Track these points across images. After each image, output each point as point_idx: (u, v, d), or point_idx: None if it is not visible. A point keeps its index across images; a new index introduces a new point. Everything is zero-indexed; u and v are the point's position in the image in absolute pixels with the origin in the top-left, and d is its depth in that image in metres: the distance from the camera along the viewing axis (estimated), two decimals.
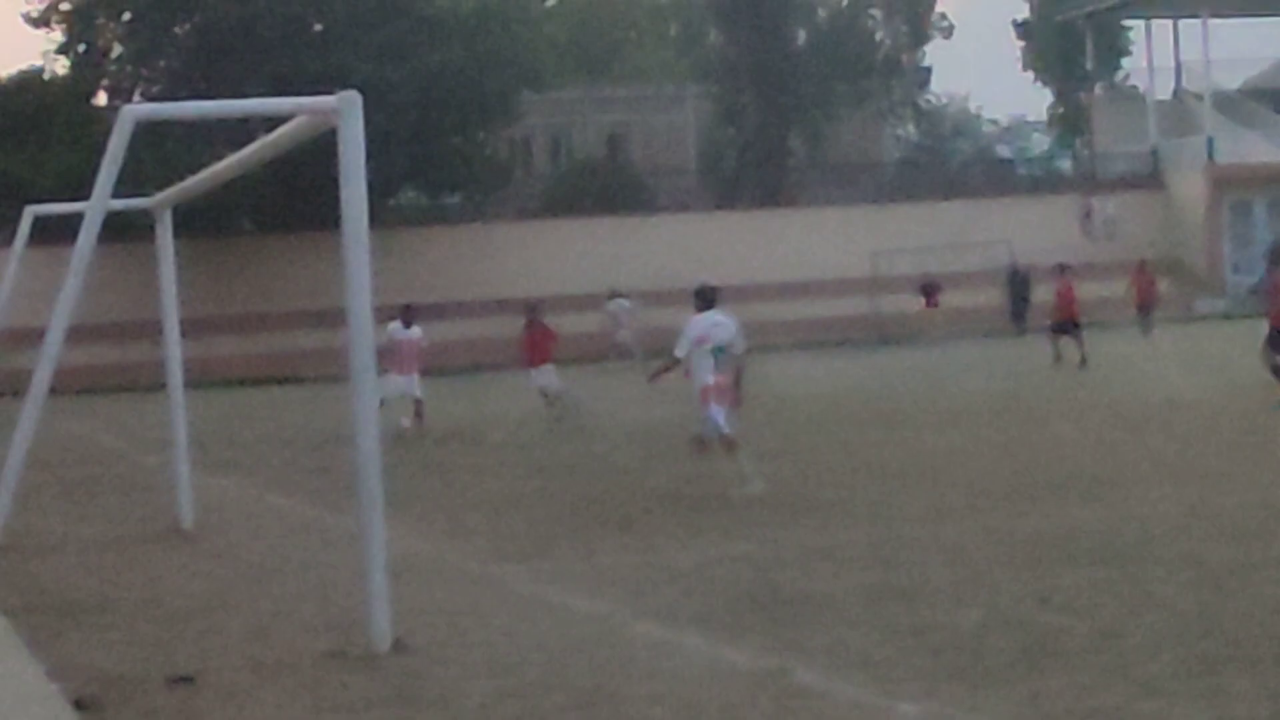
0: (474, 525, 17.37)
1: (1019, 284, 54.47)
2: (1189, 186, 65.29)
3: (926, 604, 11.93)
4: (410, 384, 27.86)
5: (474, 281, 56.97)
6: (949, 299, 54.41)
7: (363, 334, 11.32)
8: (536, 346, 29.58)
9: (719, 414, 18.42)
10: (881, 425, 26.10)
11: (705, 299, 18.90)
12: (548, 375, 29.10)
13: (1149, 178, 67.13)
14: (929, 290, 54.30)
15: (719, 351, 18.43)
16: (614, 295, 50.42)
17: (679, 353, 18.59)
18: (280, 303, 54.91)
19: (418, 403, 27.83)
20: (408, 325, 28.36)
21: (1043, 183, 72.85)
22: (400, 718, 9.51)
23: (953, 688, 9.46)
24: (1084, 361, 36.21)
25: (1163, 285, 52.16)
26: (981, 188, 70.51)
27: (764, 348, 50.85)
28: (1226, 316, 55.94)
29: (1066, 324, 37.89)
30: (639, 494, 19.27)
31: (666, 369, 19.08)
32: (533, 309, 30.44)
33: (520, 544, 15.97)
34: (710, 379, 18.45)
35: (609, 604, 12.64)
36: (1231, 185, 64.73)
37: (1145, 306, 46.71)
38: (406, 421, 27.37)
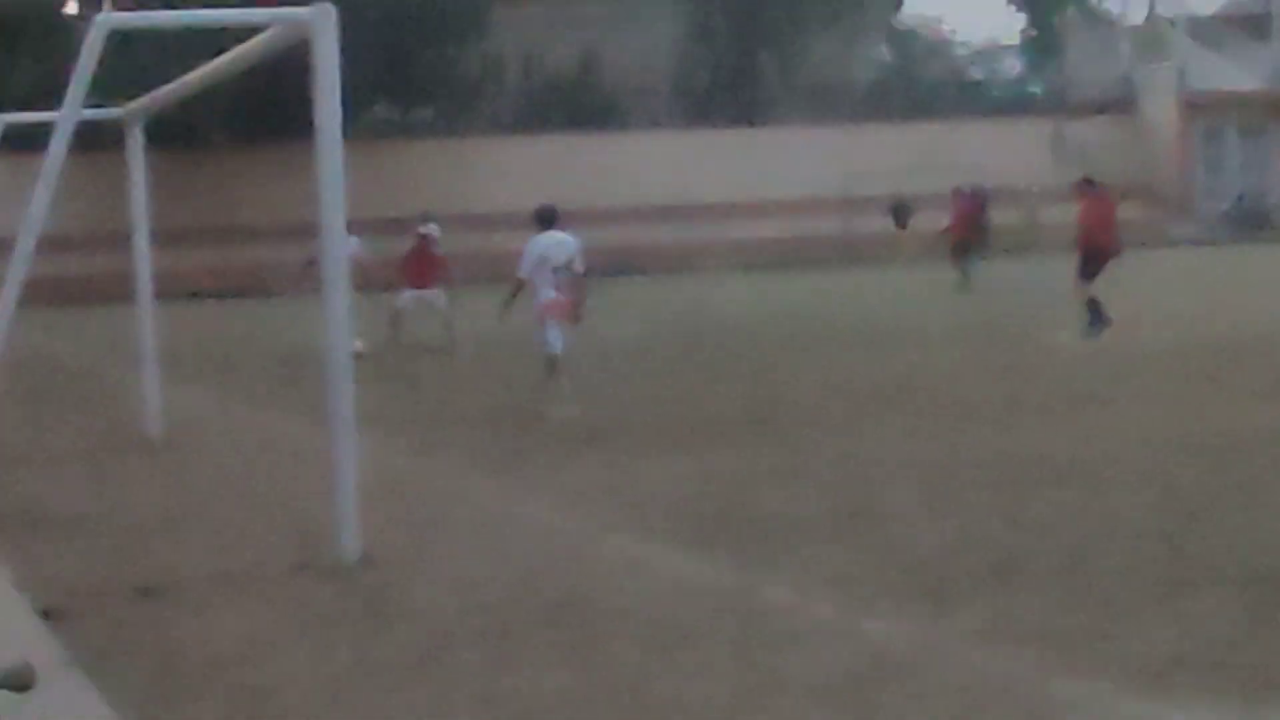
0: (445, 440, 17.37)
1: (978, 205, 54.24)
2: (1161, 112, 65.23)
3: (895, 523, 11.97)
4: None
5: (445, 196, 56.76)
6: (920, 221, 54.36)
7: (336, 247, 11.28)
8: (426, 268, 28.18)
9: (556, 331, 18.48)
10: (851, 346, 26.12)
11: (544, 219, 18.89)
12: (438, 298, 27.88)
13: (1121, 103, 67.04)
14: (900, 212, 54.20)
15: (560, 271, 18.37)
16: (425, 218, 44.89)
17: (521, 273, 18.56)
18: (251, 215, 54.67)
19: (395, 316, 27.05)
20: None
21: (1014, 106, 72.67)
22: (367, 630, 9.52)
23: (921, 606, 9.49)
24: (965, 282, 37.45)
25: (1133, 212, 52.06)
26: (953, 110, 70.34)
27: (736, 266, 51.14)
28: (1198, 242, 56.06)
29: (966, 244, 38.49)
30: (612, 408, 19.27)
31: (514, 294, 18.81)
32: (424, 226, 29.16)
33: (491, 459, 15.96)
34: (549, 297, 18.41)
35: (578, 519, 12.67)
36: (1204, 112, 64.68)
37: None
38: (360, 345, 26.00)
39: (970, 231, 39.25)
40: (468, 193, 56.49)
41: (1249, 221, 62.81)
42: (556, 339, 18.54)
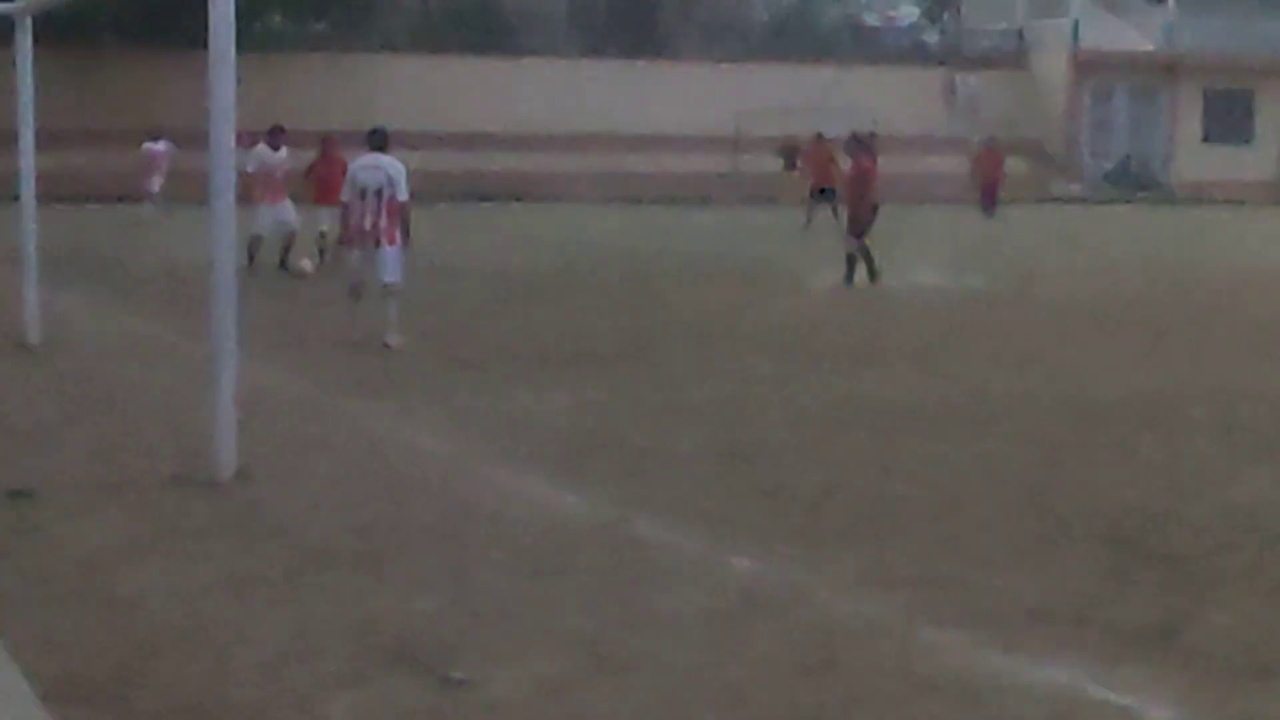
0: (328, 359, 17.31)
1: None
2: (1052, 68, 65.68)
3: (769, 464, 12.06)
4: (285, 213, 26.59)
5: (338, 112, 56.36)
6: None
7: (224, 158, 11.19)
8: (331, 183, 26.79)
9: (356, 258, 18.32)
10: (733, 284, 26.20)
11: (372, 142, 18.57)
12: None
13: (1014, 56, 67.45)
14: (790, 154, 54.30)
15: (370, 195, 18.06)
16: (153, 135, 42.78)
17: (343, 197, 18.41)
18: (141, 120, 53.99)
19: (300, 234, 26.52)
20: (275, 149, 26.96)
21: (909, 54, 72.92)
22: (239, 545, 9.51)
23: (792, 547, 9.58)
24: (808, 224, 39.00)
25: (1020, 166, 52.51)
26: (848, 55, 70.48)
27: (625, 199, 51.18)
28: (1082, 200, 56.56)
29: (825, 190, 38.95)
30: (492, 336, 19.28)
31: (345, 219, 18.46)
32: (328, 142, 28.30)
33: (373, 381, 15.94)
34: (357, 222, 18.18)
35: (456, 445, 12.69)
36: (1094, 70, 65.21)
37: (990, 186, 46.61)
38: (308, 264, 25.69)
39: (830, 179, 39.51)
40: (360, 110, 56.02)
41: (1133, 182, 63.44)
42: (352, 268, 18.35)
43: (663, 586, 8.72)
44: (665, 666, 7.46)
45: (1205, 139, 66.30)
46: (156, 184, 39.48)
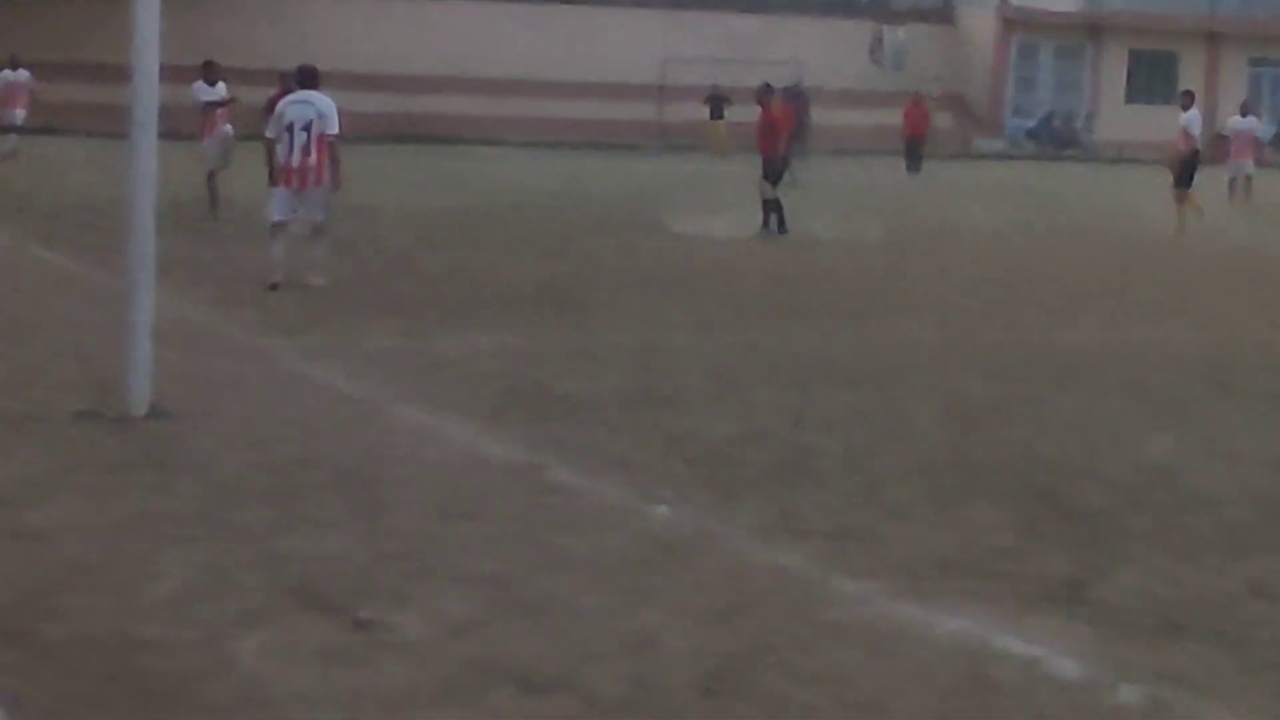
0: (244, 297, 17.21)
1: (799, 104, 54.42)
2: (979, 24, 65.76)
3: (686, 412, 12.07)
4: (214, 144, 26.03)
5: (262, 51, 55.89)
6: (735, 113, 54.47)
7: (147, 91, 11.08)
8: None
9: (281, 198, 18.09)
10: (654, 233, 26.15)
11: (301, 78, 18.43)
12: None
13: (941, 11, 67.48)
14: (715, 103, 54.22)
15: (299, 131, 17.80)
16: (13, 63, 40.12)
17: (269, 133, 18.15)
18: (63, 52, 53.47)
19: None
20: (212, 84, 26.60)
21: (837, 7, 72.84)
22: (151, 482, 9.45)
23: (706, 495, 9.60)
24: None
25: (944, 121, 52.58)
26: (777, 6, 70.38)
27: (549, 145, 51.06)
28: (1003, 157, 56.72)
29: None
30: (412, 278, 19.22)
31: (269, 156, 18.14)
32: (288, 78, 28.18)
33: (290, 319, 15.86)
34: (285, 160, 17.93)
35: (373, 386, 12.64)
36: (1021, 27, 65.33)
37: (915, 140, 46.22)
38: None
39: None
40: (278, 49, 55.55)
41: (1056, 140, 63.69)
42: (278, 206, 18.11)
43: (576, 531, 8.72)
44: (577, 610, 7.46)
45: (1129, 99, 66.57)
46: (19, 115, 38.75)
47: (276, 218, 18.11)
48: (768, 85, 27.66)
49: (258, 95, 26.50)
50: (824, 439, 11.30)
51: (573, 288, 18.98)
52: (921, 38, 64.59)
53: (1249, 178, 37.22)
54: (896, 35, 64.55)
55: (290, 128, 17.87)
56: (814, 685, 6.70)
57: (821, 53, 59.77)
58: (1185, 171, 30.09)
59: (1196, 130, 30.52)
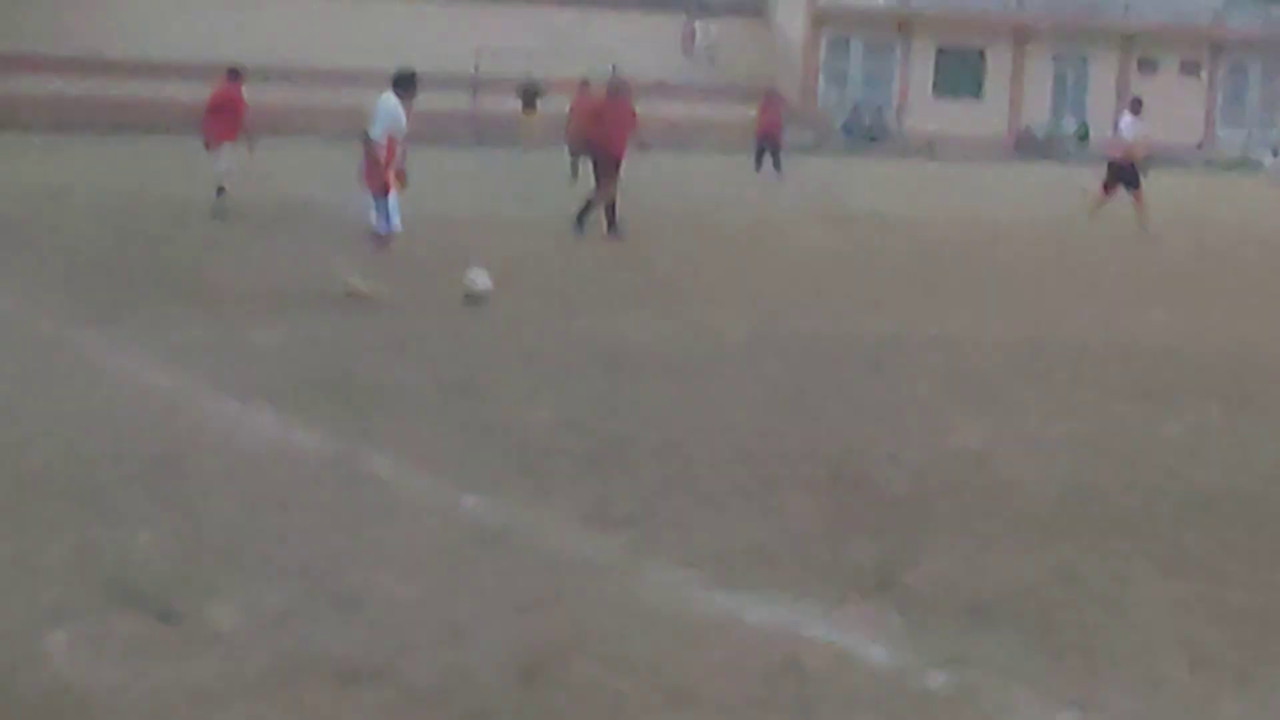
0: (51, 285, 16.97)
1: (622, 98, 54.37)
2: (791, 19, 66.29)
3: (499, 402, 12.06)
4: None
5: (58, 38, 55.14)
6: (548, 105, 54.43)
7: None
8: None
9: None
10: (461, 225, 26.06)
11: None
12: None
13: (753, 6, 67.97)
14: (528, 95, 54.13)
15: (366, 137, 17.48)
16: None
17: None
18: None
19: None
20: None
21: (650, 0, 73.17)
22: None
23: (520, 485, 9.59)
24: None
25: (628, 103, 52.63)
26: None
27: (355, 135, 50.68)
28: (815, 151, 57.15)
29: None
30: (227, 268, 19.03)
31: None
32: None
33: (97, 309, 15.66)
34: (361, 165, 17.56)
35: (182, 377, 12.51)
36: (832, 22, 65.95)
37: (768, 137, 45.64)
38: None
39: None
40: (81, 36, 54.89)
41: (866, 133, 64.35)
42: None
43: (389, 521, 8.70)
44: (389, 601, 7.44)
45: (936, 94, 67.45)
46: None
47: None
48: (584, 80, 27.31)
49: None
50: (638, 428, 11.33)
51: (388, 277, 18.83)
52: (734, 32, 65.08)
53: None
54: (709, 29, 64.93)
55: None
56: (628, 674, 6.72)
57: (634, 46, 59.98)
58: (1131, 174, 30.60)
59: (1134, 136, 30.96)
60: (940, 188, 43.03)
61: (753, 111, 44.90)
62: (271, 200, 28.35)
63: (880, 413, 12.38)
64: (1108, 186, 30.57)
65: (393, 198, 17.25)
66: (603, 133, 25.12)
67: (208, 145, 26.05)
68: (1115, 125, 32.14)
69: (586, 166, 36.41)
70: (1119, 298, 20.55)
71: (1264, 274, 24.41)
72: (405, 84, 17.73)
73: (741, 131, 48.21)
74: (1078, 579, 8.25)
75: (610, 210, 24.68)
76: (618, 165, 24.86)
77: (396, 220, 17.27)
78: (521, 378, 13.11)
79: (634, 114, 25.33)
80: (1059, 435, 11.81)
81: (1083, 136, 67.01)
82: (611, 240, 24.06)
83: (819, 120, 63.83)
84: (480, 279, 16.84)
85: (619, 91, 25.70)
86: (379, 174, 17.28)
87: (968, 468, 10.62)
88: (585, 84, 38.75)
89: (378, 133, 17.31)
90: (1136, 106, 32.09)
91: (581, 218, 24.69)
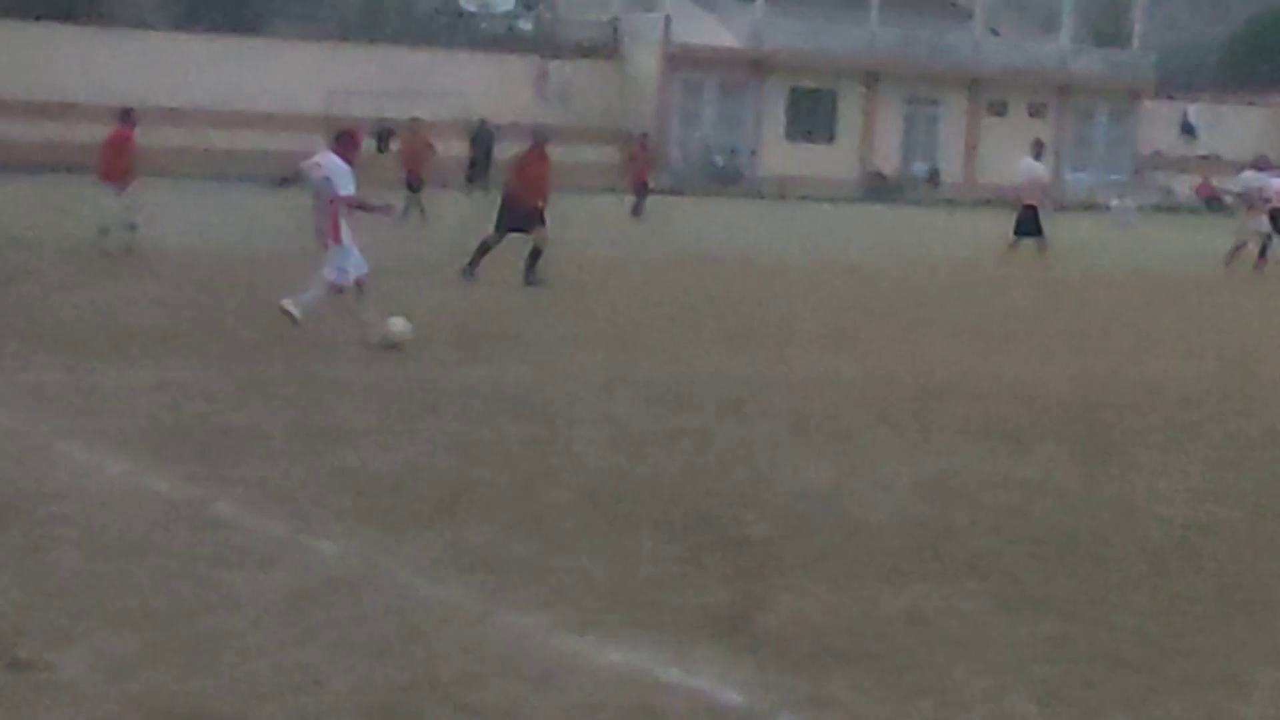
0: None
1: (484, 141, 54.30)
2: (644, 61, 66.59)
3: (353, 446, 12.00)
4: None
5: None
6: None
7: None
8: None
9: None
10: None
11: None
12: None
13: (607, 47, 68.20)
14: (382, 136, 53.94)
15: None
16: None
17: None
18: None
19: None
20: None
21: (503, 41, 73.27)
22: None
23: (372, 529, 9.56)
24: (423, 213, 36.91)
25: (613, 156, 52.86)
26: (443, 38, 70.58)
27: (216, 176, 50.36)
28: (670, 192, 57.40)
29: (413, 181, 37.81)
30: (74, 311, 18.83)
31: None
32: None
33: None
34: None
35: (30, 421, 12.37)
36: (685, 64, 66.32)
37: (639, 184, 45.39)
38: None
39: (420, 164, 38.47)
40: None
41: (719, 175, 64.71)
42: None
43: (241, 567, 8.64)
44: (242, 647, 7.39)
45: (789, 136, 67.98)
46: None
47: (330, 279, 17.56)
48: (542, 127, 27.02)
49: None
50: (490, 471, 11.33)
51: (239, 321, 18.73)
52: (587, 73, 65.23)
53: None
54: (563, 70, 65.08)
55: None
56: (480, 719, 6.72)
57: (488, 87, 60.10)
58: (1034, 219, 31.00)
59: (1036, 177, 31.36)
60: (793, 230, 43.34)
61: (607, 153, 45.08)
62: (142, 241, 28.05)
63: (733, 454, 12.44)
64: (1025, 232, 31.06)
65: (346, 249, 17.46)
66: (523, 182, 24.62)
67: (106, 183, 25.96)
68: (1020, 169, 32.39)
69: (422, 201, 36.58)
70: (971, 338, 20.80)
71: (1111, 315, 24.78)
72: (346, 141, 18.19)
73: (597, 172, 48.37)
74: (928, 620, 8.33)
75: (481, 252, 24.47)
76: (539, 214, 24.39)
77: (350, 270, 17.43)
78: (375, 421, 13.06)
79: (546, 164, 24.94)
80: (909, 476, 11.93)
81: (932, 179, 67.82)
82: (530, 286, 23.80)
83: (673, 162, 64.08)
84: (399, 325, 16.95)
85: (540, 140, 25.35)
86: (336, 229, 17.53)
87: (820, 509, 10.70)
88: (416, 121, 38.90)
89: (351, 189, 17.60)
90: (1038, 150, 32.49)
91: (530, 270, 24.24)
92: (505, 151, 54.54)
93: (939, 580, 9.07)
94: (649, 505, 10.52)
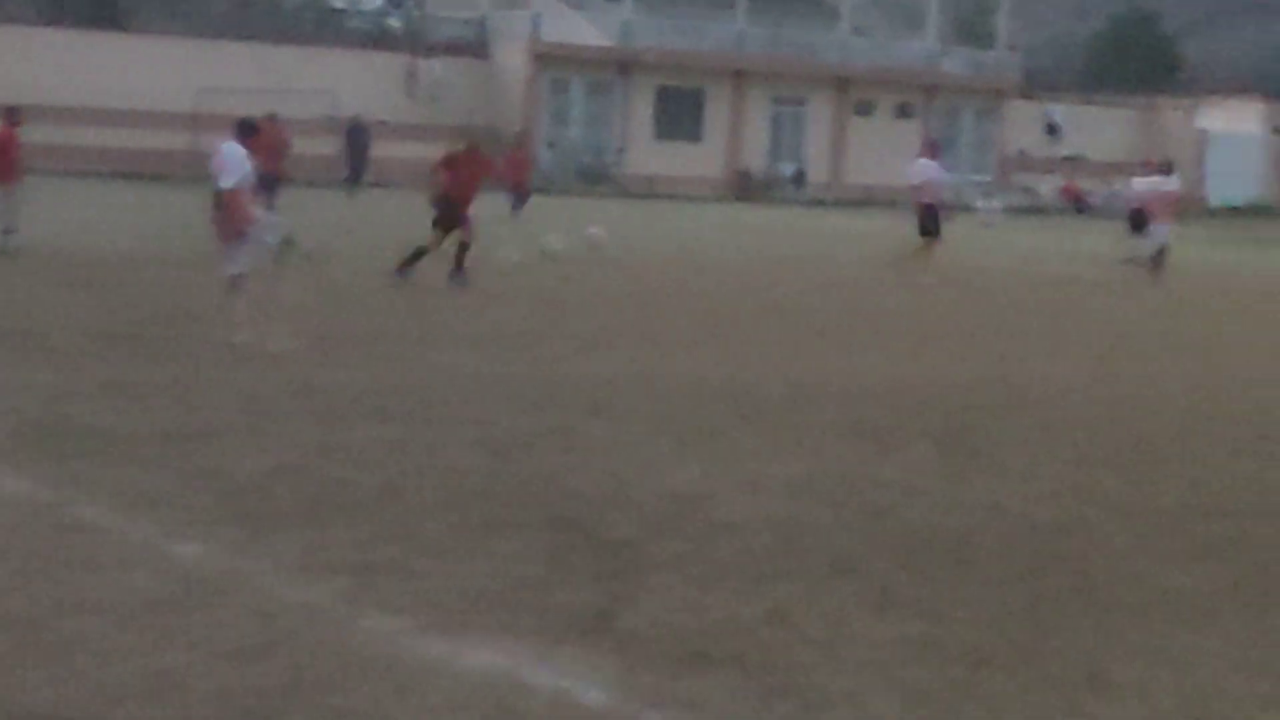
0: None
1: (359, 139, 54.00)
2: (513, 59, 66.48)
3: (216, 448, 11.91)
4: None
5: None
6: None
7: None
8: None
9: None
10: (201, 266, 25.71)
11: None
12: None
13: (476, 45, 68.08)
14: (244, 131, 53.35)
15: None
16: None
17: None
18: None
19: None
20: None
21: (372, 38, 73.03)
22: None
23: (235, 532, 9.49)
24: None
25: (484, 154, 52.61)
26: (312, 36, 70.26)
27: (81, 173, 49.87)
28: (540, 190, 57.40)
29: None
30: None
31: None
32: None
33: None
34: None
35: None
36: (553, 62, 66.28)
37: (519, 186, 45.15)
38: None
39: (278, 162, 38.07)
40: None
41: (587, 174, 64.71)
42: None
43: (101, 571, 8.56)
44: (101, 651, 7.32)
45: (657, 135, 68.09)
46: None
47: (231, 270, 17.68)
48: (475, 130, 27.00)
49: None
50: (354, 473, 11.28)
51: (105, 322, 18.56)
52: (457, 71, 65.08)
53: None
54: (432, 68, 64.89)
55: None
56: None
57: (357, 84, 59.89)
58: (934, 218, 30.95)
59: (931, 176, 31.30)
60: (660, 228, 43.44)
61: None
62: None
63: (597, 454, 12.45)
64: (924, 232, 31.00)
65: (250, 239, 17.61)
66: (455, 183, 24.56)
67: None
68: (915, 169, 32.20)
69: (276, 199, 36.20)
70: (838, 339, 20.93)
71: (977, 315, 25.00)
72: (247, 131, 18.46)
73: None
74: (792, 620, 8.37)
75: (416, 256, 24.43)
76: (462, 216, 24.45)
77: (256, 255, 17.72)
78: (240, 422, 12.97)
79: (489, 164, 25.10)
80: (775, 476, 11.97)
81: (798, 179, 68.12)
82: (456, 289, 23.77)
83: (542, 161, 64.06)
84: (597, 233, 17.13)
85: (476, 143, 25.39)
86: (232, 223, 17.54)
87: (685, 509, 10.72)
88: (272, 117, 38.38)
89: (231, 183, 17.57)
90: (934, 150, 32.55)
91: (406, 266, 24.32)
92: (382, 150, 54.99)
93: (804, 580, 9.12)
94: (514, 506, 10.51)
